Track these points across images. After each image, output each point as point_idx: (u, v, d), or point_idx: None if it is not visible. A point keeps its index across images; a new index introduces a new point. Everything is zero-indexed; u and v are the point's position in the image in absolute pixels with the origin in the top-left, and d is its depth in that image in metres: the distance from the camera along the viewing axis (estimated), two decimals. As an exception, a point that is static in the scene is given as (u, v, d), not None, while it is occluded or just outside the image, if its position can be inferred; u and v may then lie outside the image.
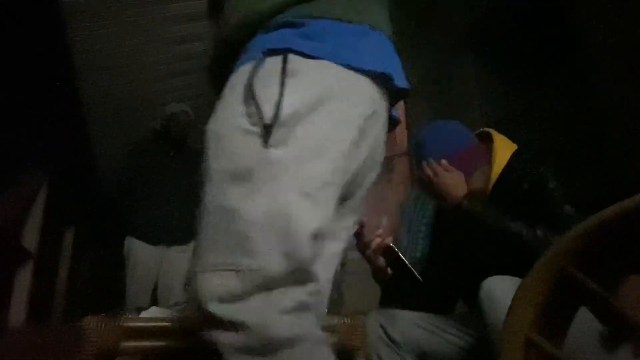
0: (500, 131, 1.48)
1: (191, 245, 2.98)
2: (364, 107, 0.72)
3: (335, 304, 1.20)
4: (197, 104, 4.58)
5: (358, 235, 1.32)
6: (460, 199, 1.29)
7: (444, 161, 1.34)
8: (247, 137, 0.64)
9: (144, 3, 2.71)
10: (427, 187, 1.37)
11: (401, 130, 3.67)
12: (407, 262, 1.26)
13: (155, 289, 2.83)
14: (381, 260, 1.34)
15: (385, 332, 1.32)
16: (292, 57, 0.68)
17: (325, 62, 0.69)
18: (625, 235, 0.53)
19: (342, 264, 1.85)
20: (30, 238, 2.05)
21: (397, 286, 1.41)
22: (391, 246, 1.27)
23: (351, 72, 0.71)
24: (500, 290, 1.06)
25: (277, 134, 0.63)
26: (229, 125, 0.66)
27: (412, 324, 1.34)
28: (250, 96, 0.65)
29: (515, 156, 1.37)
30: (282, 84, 0.65)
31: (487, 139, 1.44)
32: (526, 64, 2.69)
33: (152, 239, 2.81)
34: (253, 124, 0.64)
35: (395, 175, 3.73)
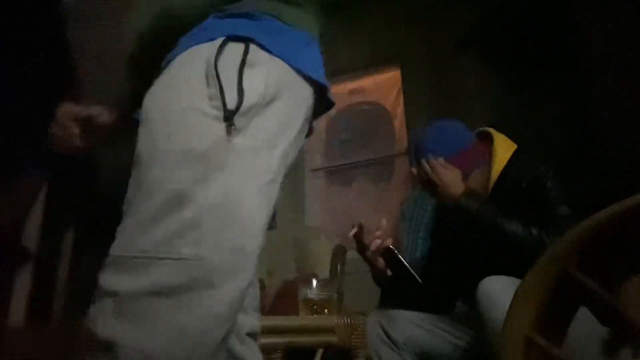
0: (500, 131, 1.48)
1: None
2: (303, 112, 0.73)
3: (335, 304, 1.20)
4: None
5: (357, 236, 1.32)
6: (457, 196, 1.29)
7: (441, 159, 1.34)
8: (208, 120, 0.62)
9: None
10: (425, 184, 1.37)
11: (401, 130, 3.68)
12: (406, 264, 1.26)
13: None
14: (381, 262, 1.34)
15: (385, 332, 1.32)
16: (252, 48, 0.67)
17: (279, 60, 0.69)
18: (626, 235, 0.53)
19: (342, 264, 1.85)
20: (30, 238, 2.05)
21: (396, 287, 1.41)
22: (390, 247, 1.27)
23: (298, 76, 0.72)
24: (498, 289, 1.06)
25: (237, 122, 0.62)
26: (187, 104, 0.63)
27: (412, 324, 1.34)
28: (213, 78, 0.63)
29: (515, 156, 1.38)
30: (241, 73, 0.64)
31: (487, 139, 1.45)
32: (526, 64, 2.69)
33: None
34: (215, 108, 0.62)
35: (395, 175, 3.73)
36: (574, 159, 2.10)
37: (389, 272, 1.35)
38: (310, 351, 1.33)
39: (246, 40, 0.67)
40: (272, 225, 0.73)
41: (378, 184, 3.79)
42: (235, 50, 0.66)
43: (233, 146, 0.62)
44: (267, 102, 0.66)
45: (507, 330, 0.58)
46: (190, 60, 0.67)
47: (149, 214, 0.58)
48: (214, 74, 0.63)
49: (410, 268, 1.26)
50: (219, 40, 0.67)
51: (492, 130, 1.46)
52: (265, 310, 2.02)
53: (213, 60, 0.64)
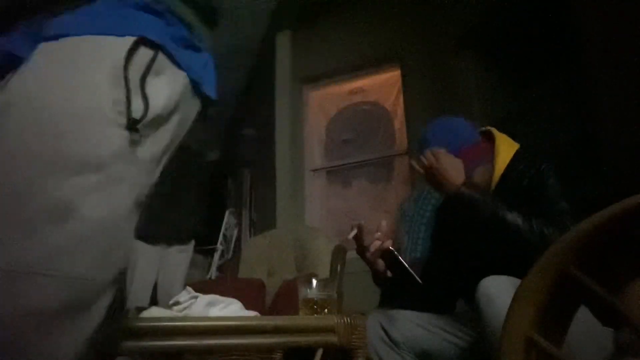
0: (500, 131, 1.48)
1: (191, 244, 3.00)
2: (187, 127, 0.71)
3: (335, 304, 1.20)
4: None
5: (357, 238, 1.31)
6: (459, 184, 1.29)
7: (443, 150, 1.34)
8: (108, 126, 0.56)
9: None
10: (427, 173, 1.36)
11: (401, 130, 3.68)
12: (406, 265, 1.25)
13: (155, 289, 2.84)
14: (381, 263, 1.33)
15: (385, 332, 1.32)
16: (160, 55, 0.64)
17: (182, 73, 0.67)
18: (626, 235, 0.53)
19: (342, 264, 1.85)
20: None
21: (396, 288, 1.41)
22: (390, 249, 1.27)
23: (193, 92, 0.69)
24: (497, 289, 1.06)
25: (139, 132, 0.59)
26: (86, 105, 0.56)
27: (412, 324, 1.34)
28: (122, 83, 0.58)
29: (517, 155, 1.38)
30: (144, 80, 0.60)
31: (489, 138, 1.45)
32: (526, 64, 2.69)
33: (152, 239, 2.81)
34: (118, 114, 0.57)
35: (395, 175, 3.73)
36: (573, 159, 2.10)
37: (389, 274, 1.34)
38: (310, 351, 1.32)
39: (156, 46, 0.63)
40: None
41: (378, 184, 3.79)
42: (143, 54, 0.62)
43: (132, 158, 0.58)
44: (166, 116, 0.64)
45: (507, 330, 0.58)
46: (93, 53, 0.60)
47: (23, 221, 0.50)
48: (122, 77, 0.58)
49: (410, 269, 1.25)
50: (130, 40, 0.61)
51: (494, 130, 1.46)
52: (266, 310, 2.02)
53: (122, 62, 0.59)
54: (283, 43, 4.06)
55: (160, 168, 0.65)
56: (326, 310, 1.14)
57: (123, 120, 0.57)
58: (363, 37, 3.79)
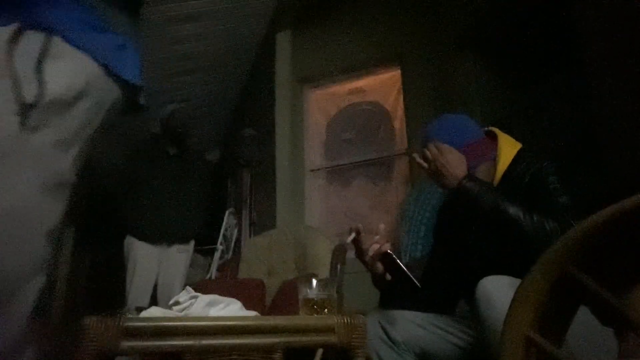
0: (500, 131, 1.48)
1: (191, 244, 3.00)
2: (105, 111, 0.69)
3: (335, 304, 1.20)
4: (197, 104, 4.59)
5: (356, 242, 1.31)
6: (461, 178, 1.29)
7: (446, 145, 1.34)
8: (1, 115, 0.56)
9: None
10: (430, 166, 1.36)
11: (401, 130, 3.68)
12: (404, 269, 1.25)
13: (155, 289, 2.84)
14: (379, 266, 1.33)
15: (385, 332, 1.32)
16: (56, 40, 0.62)
17: (86, 57, 0.65)
18: (626, 235, 0.52)
19: (342, 264, 1.85)
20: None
21: (396, 291, 1.41)
22: (389, 252, 1.26)
23: (107, 75, 0.68)
24: (496, 289, 1.06)
25: (35, 118, 0.57)
26: None
27: (412, 324, 1.34)
28: (7, 69, 0.57)
29: (519, 154, 1.38)
30: (40, 64, 0.59)
31: (492, 138, 1.45)
32: (526, 64, 2.69)
33: (152, 239, 2.81)
34: (8, 101, 0.57)
35: (395, 175, 3.73)
36: (573, 159, 2.10)
37: (388, 277, 1.34)
38: (310, 351, 1.32)
39: (47, 30, 0.62)
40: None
41: (378, 184, 3.79)
42: (33, 40, 0.61)
43: (28, 144, 0.57)
44: (70, 100, 0.62)
45: (507, 330, 0.58)
46: None
47: None
48: (8, 62, 0.57)
49: (408, 272, 1.25)
50: (13, 26, 0.60)
51: (496, 130, 1.46)
52: (266, 310, 2.02)
53: (6, 47, 0.58)
54: (283, 43, 4.06)
55: (73, 153, 0.63)
56: (326, 310, 1.14)
57: (14, 107, 0.56)
58: (363, 37, 3.79)
